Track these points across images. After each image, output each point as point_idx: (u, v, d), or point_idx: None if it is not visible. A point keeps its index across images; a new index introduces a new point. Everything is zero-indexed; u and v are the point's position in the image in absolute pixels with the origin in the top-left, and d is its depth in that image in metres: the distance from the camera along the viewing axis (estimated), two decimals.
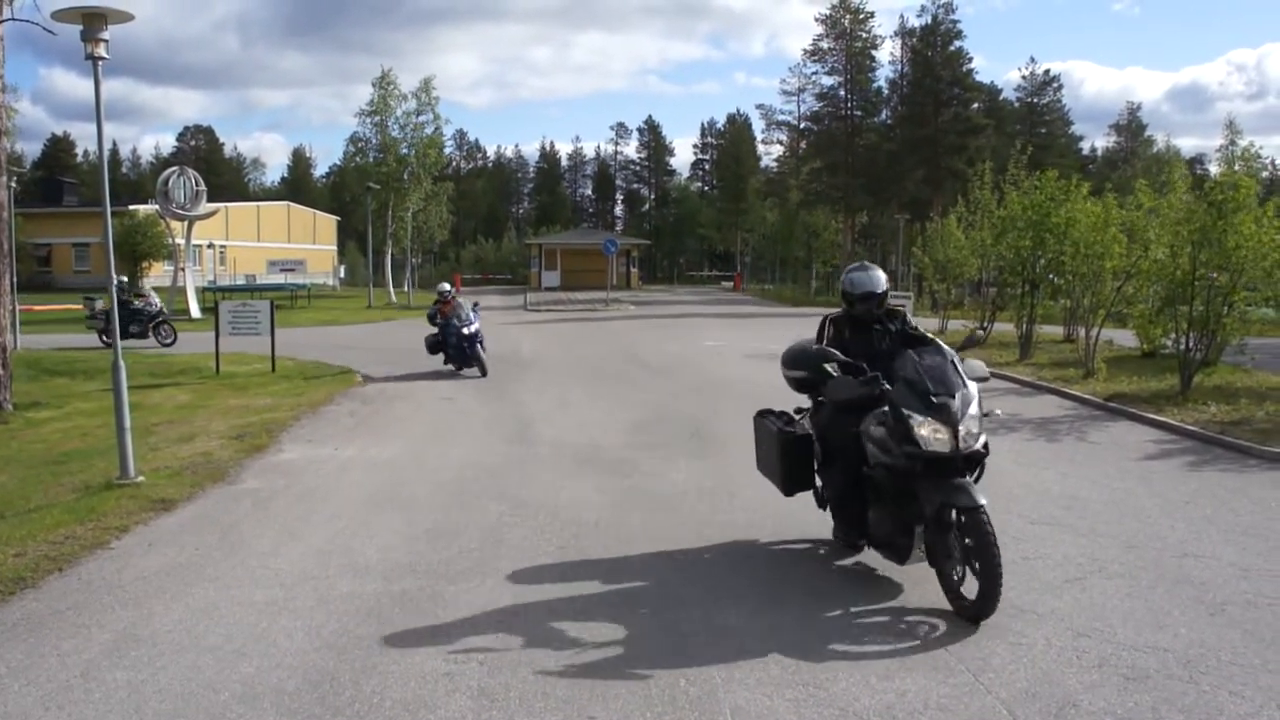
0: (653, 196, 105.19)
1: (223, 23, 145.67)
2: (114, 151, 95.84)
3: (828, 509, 6.32)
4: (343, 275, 67.18)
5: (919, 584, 5.58)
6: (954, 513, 5.04)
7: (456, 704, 4.18)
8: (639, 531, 6.84)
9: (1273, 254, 12.44)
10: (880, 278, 6.12)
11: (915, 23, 60.72)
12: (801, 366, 6.18)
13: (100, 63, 8.11)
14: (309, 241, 68.26)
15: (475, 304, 16.89)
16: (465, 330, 16.03)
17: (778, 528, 6.85)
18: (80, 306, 24.72)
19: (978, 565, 4.93)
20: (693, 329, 28.20)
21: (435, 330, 16.83)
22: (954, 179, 49.03)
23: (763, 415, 6.80)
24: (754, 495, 7.83)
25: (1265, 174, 42.80)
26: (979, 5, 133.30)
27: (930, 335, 5.95)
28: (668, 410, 12.61)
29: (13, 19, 11.94)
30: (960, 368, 5.33)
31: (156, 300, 22.93)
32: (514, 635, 4.94)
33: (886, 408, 5.33)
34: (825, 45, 58.94)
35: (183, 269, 32.42)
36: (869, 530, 5.73)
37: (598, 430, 11.04)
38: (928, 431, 5.06)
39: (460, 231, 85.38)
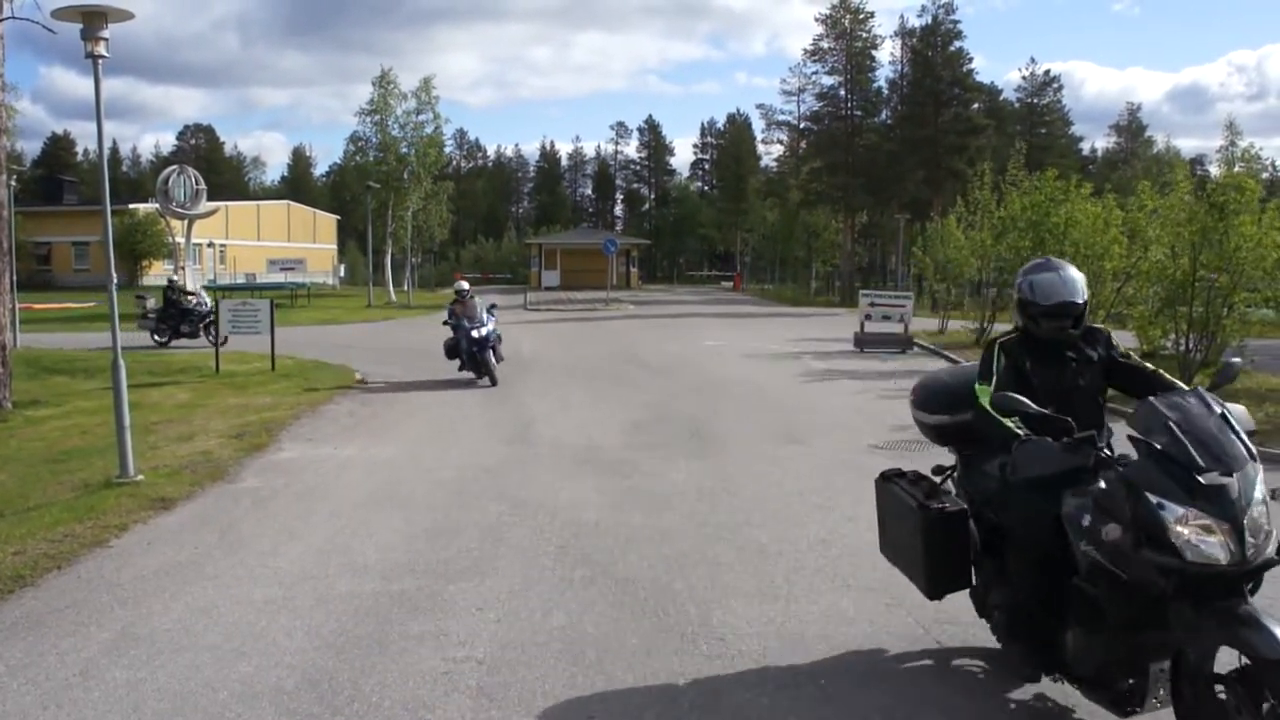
0: (653, 196, 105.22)
1: (223, 22, 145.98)
2: (114, 150, 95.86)
3: (988, 616, 4.39)
4: (343, 274, 67.15)
5: None
6: (1237, 658, 3.18)
7: (456, 704, 4.17)
8: (639, 532, 6.82)
9: (1272, 254, 12.47)
10: (1079, 282, 4.00)
11: (915, 23, 60.82)
12: (950, 409, 4.40)
13: (100, 61, 8.11)
14: (309, 240, 68.21)
15: (491, 305, 15.72)
16: (475, 333, 14.69)
17: (779, 528, 6.84)
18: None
19: None
20: (692, 329, 28.20)
21: (452, 333, 15.30)
22: (954, 179, 49.01)
23: (889, 479, 4.74)
24: (753, 494, 7.85)
25: (1265, 175, 42.79)
26: (979, 5, 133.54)
27: (1153, 368, 4.04)
28: (667, 410, 12.60)
29: (13, 17, 11.94)
30: (1235, 424, 3.36)
31: (207, 299, 22.81)
32: (513, 635, 4.93)
33: (1104, 484, 3.55)
34: (825, 45, 58.83)
35: (182, 268, 32.39)
36: (1066, 659, 3.78)
37: (597, 430, 11.03)
38: (1192, 532, 3.17)
39: (460, 231, 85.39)
